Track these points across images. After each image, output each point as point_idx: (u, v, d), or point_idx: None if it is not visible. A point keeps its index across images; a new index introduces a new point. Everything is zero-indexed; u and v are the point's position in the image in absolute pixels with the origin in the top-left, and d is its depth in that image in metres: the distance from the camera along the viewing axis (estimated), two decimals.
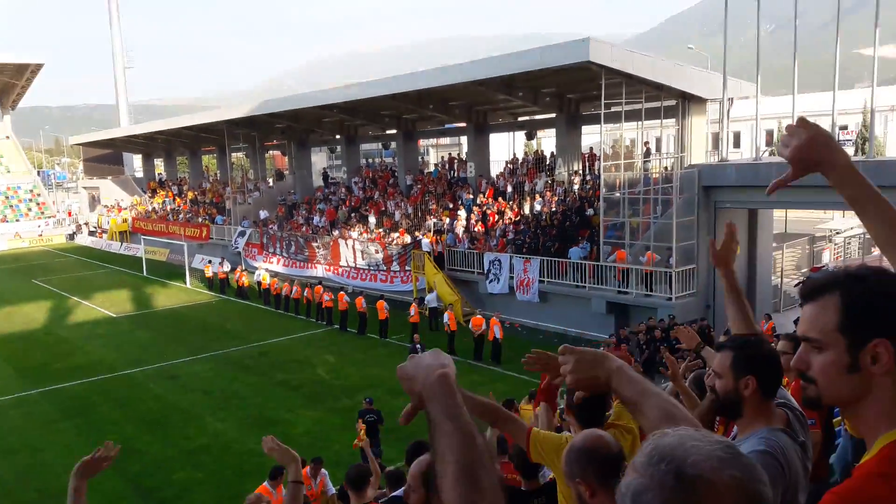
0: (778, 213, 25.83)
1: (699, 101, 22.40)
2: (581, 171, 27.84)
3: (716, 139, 25.14)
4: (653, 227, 21.27)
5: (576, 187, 26.52)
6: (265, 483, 9.79)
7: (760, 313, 19.88)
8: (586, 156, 28.71)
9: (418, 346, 18.43)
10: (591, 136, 33.68)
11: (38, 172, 69.97)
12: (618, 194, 22.06)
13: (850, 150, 33.91)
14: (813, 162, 1.77)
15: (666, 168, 23.87)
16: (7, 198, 60.09)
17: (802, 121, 1.79)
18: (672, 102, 22.31)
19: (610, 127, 23.03)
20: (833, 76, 18.76)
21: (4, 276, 41.55)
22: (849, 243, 29.11)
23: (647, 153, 25.84)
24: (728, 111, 22.08)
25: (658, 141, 30.32)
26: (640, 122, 22.65)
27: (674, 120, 22.81)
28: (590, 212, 24.32)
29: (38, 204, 61.00)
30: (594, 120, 25.01)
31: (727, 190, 20.93)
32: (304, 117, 36.44)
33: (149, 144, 55.45)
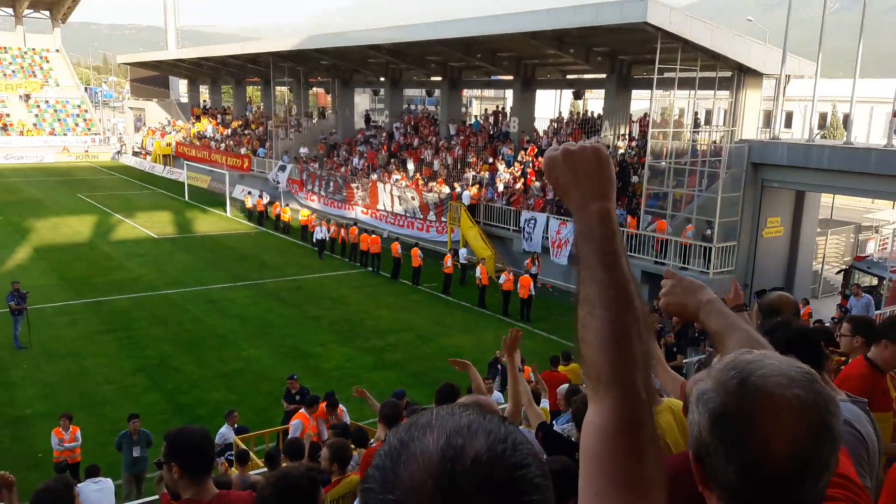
0: (825, 199, 25.31)
1: (755, 76, 21.91)
2: (628, 136, 27.51)
3: (767, 116, 24.65)
4: (696, 199, 21.12)
5: (620, 152, 26.29)
6: (302, 409, 10.26)
7: (798, 298, 19.76)
8: (636, 121, 28.28)
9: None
10: (641, 102, 33.16)
11: (86, 89, 70.74)
12: (664, 163, 21.85)
13: None
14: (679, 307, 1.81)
15: (715, 141, 23.53)
16: (56, 111, 61.14)
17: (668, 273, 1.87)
18: (727, 74, 21.87)
19: (661, 93, 22.65)
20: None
21: (52, 187, 42.75)
22: None
23: (697, 124, 25.44)
24: (784, 88, 21.61)
25: (708, 113, 29.80)
26: (692, 91, 22.26)
27: (727, 92, 22.39)
28: (634, 179, 24.16)
29: (85, 120, 61.98)
30: (645, 84, 24.60)
31: (777, 169, 20.62)
32: (349, 56, 36.21)
33: (195, 70, 55.68)
